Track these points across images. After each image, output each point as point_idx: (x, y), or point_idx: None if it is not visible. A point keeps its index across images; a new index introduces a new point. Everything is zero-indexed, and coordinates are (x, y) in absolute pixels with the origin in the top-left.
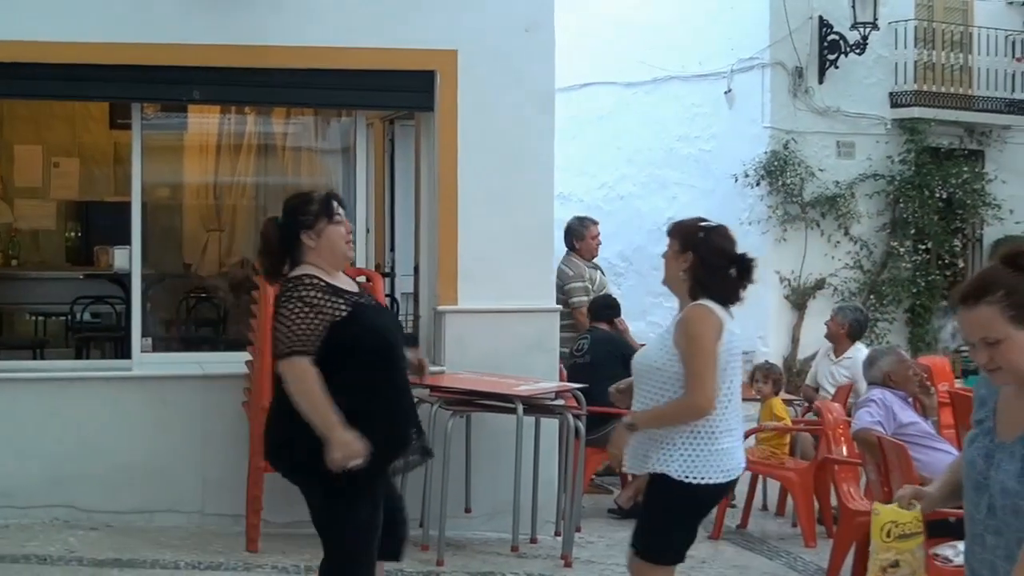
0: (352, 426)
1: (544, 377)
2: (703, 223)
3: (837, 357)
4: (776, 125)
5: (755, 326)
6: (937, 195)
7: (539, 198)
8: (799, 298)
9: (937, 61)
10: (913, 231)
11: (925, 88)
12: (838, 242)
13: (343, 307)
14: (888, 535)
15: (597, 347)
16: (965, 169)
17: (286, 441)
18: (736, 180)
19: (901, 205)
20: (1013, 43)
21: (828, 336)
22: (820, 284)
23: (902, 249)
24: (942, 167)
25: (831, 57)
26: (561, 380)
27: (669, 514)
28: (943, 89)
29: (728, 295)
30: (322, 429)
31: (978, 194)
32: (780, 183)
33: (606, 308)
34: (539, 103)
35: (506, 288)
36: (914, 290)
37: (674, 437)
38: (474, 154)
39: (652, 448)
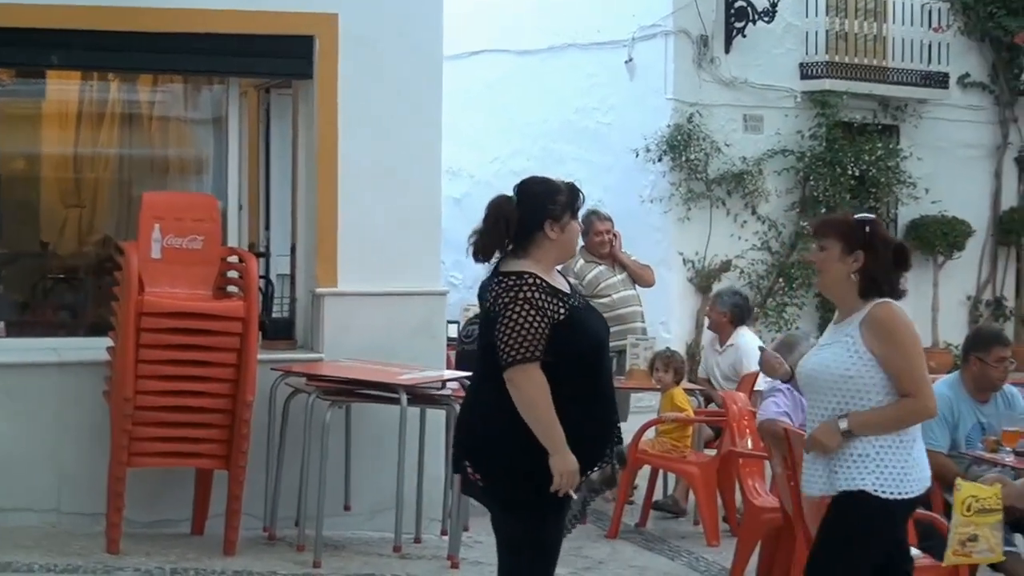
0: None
1: (430, 365)
2: (859, 217)
3: (722, 347)
4: (679, 97)
5: (657, 311)
6: (849, 172)
7: (426, 173)
8: (703, 281)
9: (850, 30)
10: (824, 210)
11: (837, 59)
12: (745, 222)
13: (562, 310)
14: (968, 509)
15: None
16: (879, 145)
17: (496, 451)
18: (637, 155)
19: (811, 183)
20: (930, 12)
21: (711, 326)
22: (726, 266)
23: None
24: (855, 143)
25: (738, 25)
26: (449, 368)
27: (865, 537)
28: (856, 60)
29: (899, 289)
30: (549, 445)
31: (892, 172)
32: (683, 159)
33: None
34: (426, 72)
35: (390, 269)
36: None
37: (867, 449)
38: (356, 126)
39: (839, 464)
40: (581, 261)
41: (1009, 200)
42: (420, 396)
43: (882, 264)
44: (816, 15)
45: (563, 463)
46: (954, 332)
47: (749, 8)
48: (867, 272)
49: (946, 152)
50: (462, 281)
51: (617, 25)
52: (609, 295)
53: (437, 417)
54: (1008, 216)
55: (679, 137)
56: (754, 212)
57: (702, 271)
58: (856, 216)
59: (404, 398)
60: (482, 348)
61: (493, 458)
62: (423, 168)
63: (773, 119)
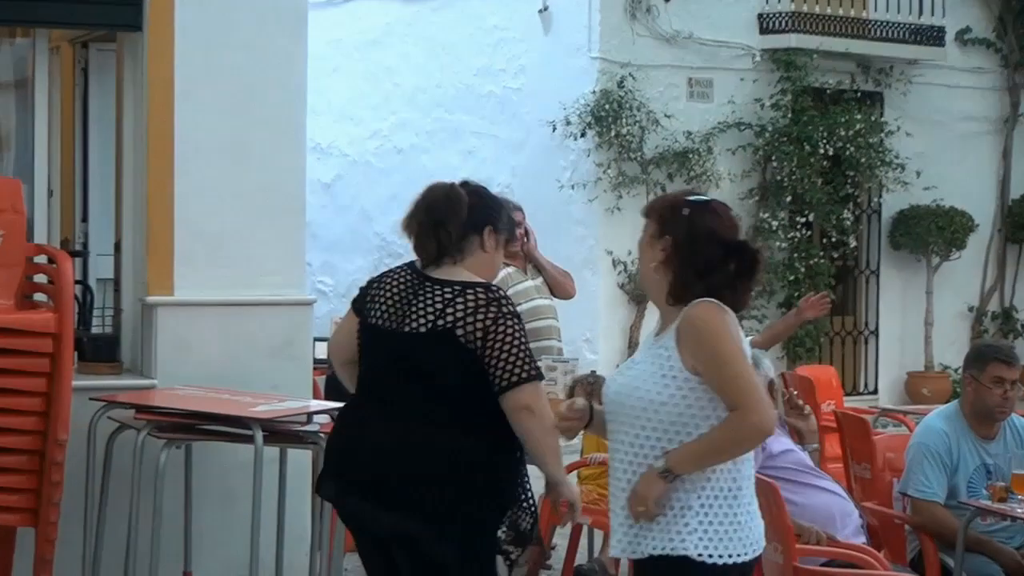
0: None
1: (293, 393)
2: (691, 196)
3: None
4: (608, 56)
5: (580, 325)
6: (821, 151)
7: (287, 151)
8: (638, 288)
9: None
10: (790, 199)
11: (806, 9)
12: None
13: None
14: None
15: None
16: (858, 117)
17: (454, 478)
18: (554, 129)
19: (774, 164)
20: None
21: None
22: None
23: (775, 223)
24: (827, 114)
25: None
26: (316, 397)
27: None
28: (830, 11)
29: (733, 297)
30: (555, 470)
31: (875, 150)
32: (613, 133)
33: None
34: (287, 23)
35: (242, 272)
36: (791, 277)
37: (688, 500)
38: (197, 91)
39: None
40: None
41: (1019, 186)
42: (280, 433)
43: (702, 262)
44: None
45: (572, 491)
46: (952, 352)
47: None
48: (679, 269)
49: (942, 126)
50: (333, 288)
51: None
52: (519, 304)
53: (301, 459)
54: (1018, 206)
55: (607, 107)
56: None
57: (636, 275)
58: (689, 196)
59: (259, 435)
60: (431, 374)
61: (434, 492)
62: (283, 144)
63: (725, 84)
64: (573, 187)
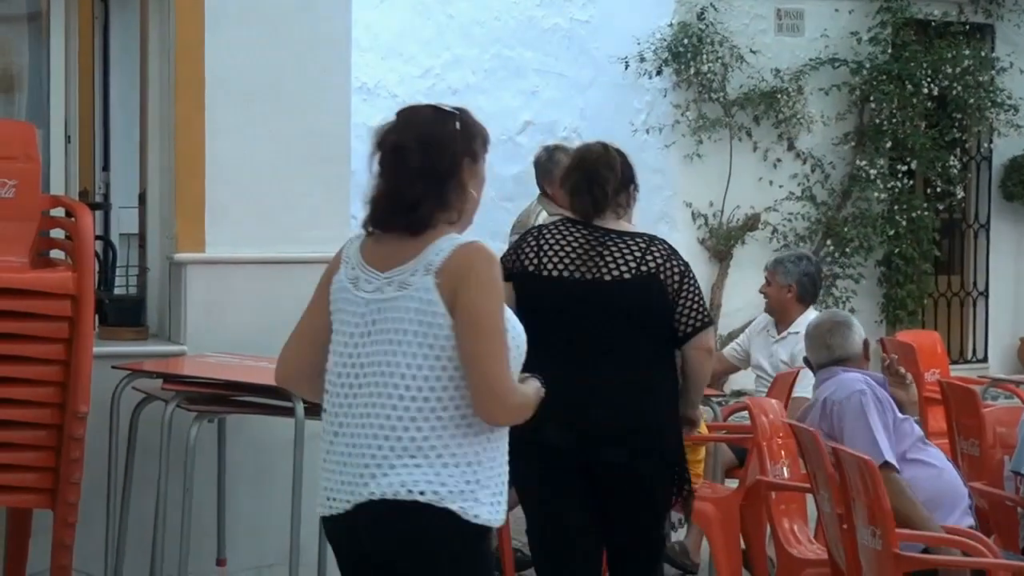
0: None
1: None
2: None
3: (780, 334)
4: None
5: None
6: (925, 91)
7: (329, 92)
8: (721, 243)
9: None
10: (890, 144)
11: None
12: (779, 160)
13: None
14: None
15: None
16: (966, 52)
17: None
18: (627, 66)
19: (872, 106)
20: None
21: (769, 307)
22: (753, 223)
23: (873, 171)
24: (932, 49)
25: None
26: None
27: None
28: None
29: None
30: (699, 398)
31: (985, 89)
32: (692, 71)
33: None
34: None
35: (279, 227)
36: (891, 231)
37: None
38: (229, 26)
39: None
40: (543, 215)
41: None
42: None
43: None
44: None
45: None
46: None
47: None
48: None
49: None
50: None
51: None
52: None
53: None
54: None
55: (686, 41)
56: (792, 147)
57: (719, 230)
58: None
59: (300, 407)
60: (641, 319)
61: (673, 451)
62: (325, 84)
63: (818, 16)
64: (648, 131)
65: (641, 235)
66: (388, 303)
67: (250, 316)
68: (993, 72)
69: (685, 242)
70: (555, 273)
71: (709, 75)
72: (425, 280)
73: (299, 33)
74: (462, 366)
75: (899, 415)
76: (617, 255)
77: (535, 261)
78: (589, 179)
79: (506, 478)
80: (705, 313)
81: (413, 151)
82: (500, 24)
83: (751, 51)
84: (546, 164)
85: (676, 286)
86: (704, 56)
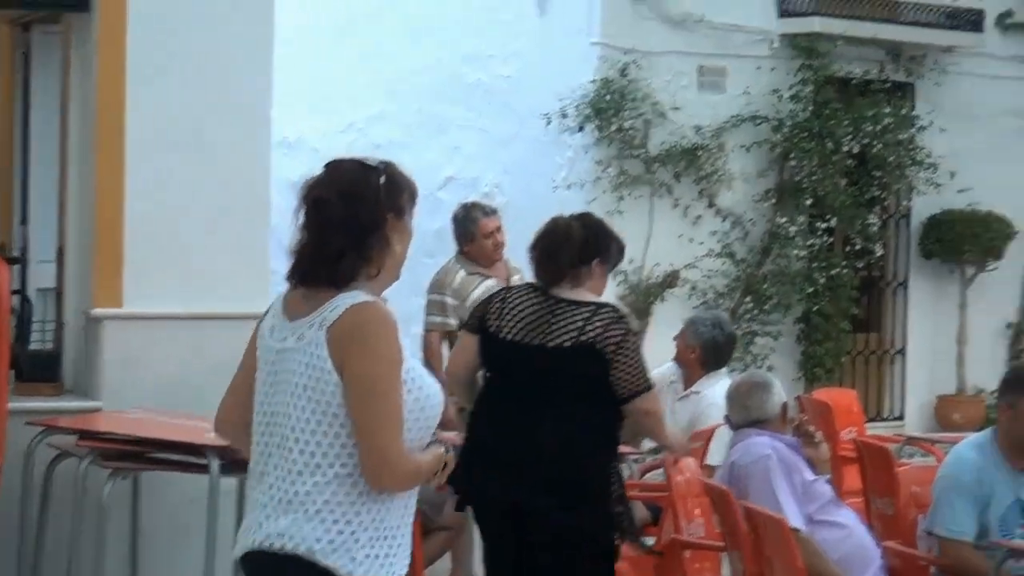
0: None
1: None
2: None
3: (684, 390)
4: (610, 41)
5: None
6: (845, 149)
7: (250, 147)
8: (641, 300)
9: None
10: (810, 202)
11: None
12: (699, 217)
13: None
14: None
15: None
16: (887, 111)
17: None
18: (549, 122)
19: (792, 163)
20: None
21: (677, 359)
22: (672, 279)
23: (793, 228)
24: (853, 107)
25: None
26: None
27: None
28: None
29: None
30: (663, 440)
31: (905, 148)
32: (614, 128)
33: None
34: (252, 4)
35: (198, 282)
36: (810, 289)
37: None
38: (151, 79)
39: None
40: (462, 273)
41: None
42: (239, 462)
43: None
44: None
45: (678, 441)
46: (987, 373)
47: None
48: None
49: (979, 121)
50: None
51: None
52: None
53: None
54: None
55: (608, 97)
56: (712, 204)
57: (638, 286)
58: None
59: (215, 464)
60: (578, 384)
61: (596, 512)
62: (247, 139)
63: (740, 73)
64: (569, 187)
65: (589, 304)
66: (287, 354)
67: (167, 371)
68: (913, 130)
69: (606, 298)
70: (509, 336)
71: (631, 131)
72: (318, 335)
73: (220, 88)
74: (351, 427)
75: (809, 477)
76: (563, 323)
77: (496, 323)
78: (548, 252)
79: (398, 538)
80: (641, 379)
81: (335, 204)
82: (423, 79)
83: (673, 108)
84: (463, 222)
85: (611, 355)
86: (626, 113)
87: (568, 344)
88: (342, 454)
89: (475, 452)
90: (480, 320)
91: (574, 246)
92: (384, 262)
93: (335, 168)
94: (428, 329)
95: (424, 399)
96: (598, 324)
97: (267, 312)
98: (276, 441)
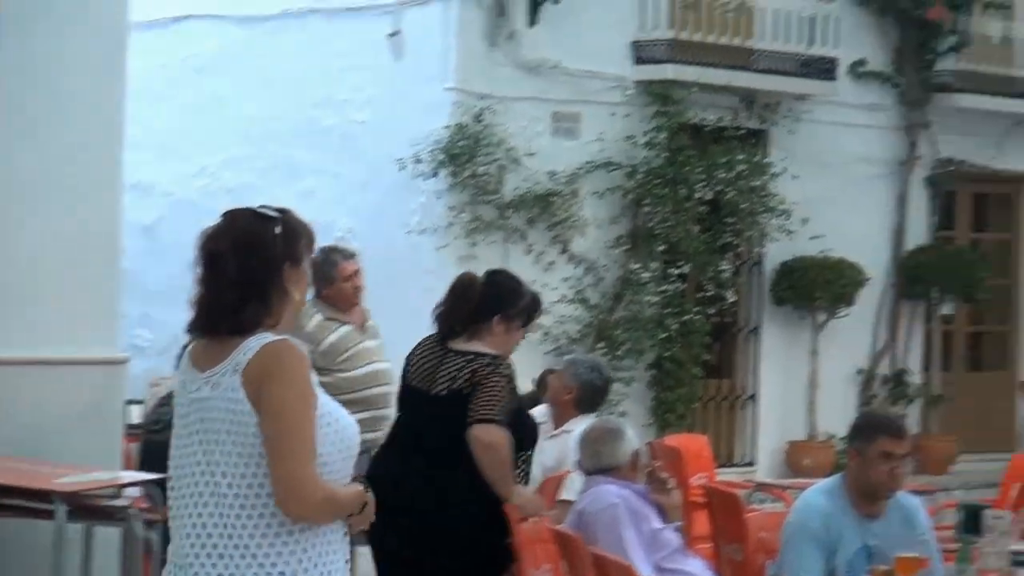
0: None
1: (102, 463)
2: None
3: (554, 430)
4: (464, 87)
5: None
6: (699, 195)
7: (101, 189)
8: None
9: None
10: (663, 248)
11: (685, 37)
12: (552, 262)
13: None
14: None
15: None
16: (740, 158)
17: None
18: (403, 167)
19: (646, 209)
20: None
21: (549, 399)
22: None
23: (646, 274)
24: (706, 154)
25: None
26: (128, 467)
27: None
28: (711, 39)
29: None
30: (504, 490)
31: (758, 195)
32: (468, 173)
33: None
34: (105, 44)
35: (45, 326)
36: (663, 335)
37: None
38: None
39: None
40: (318, 317)
41: (917, 236)
42: (86, 508)
43: None
44: None
45: (523, 497)
46: (838, 419)
47: None
48: None
49: (831, 169)
50: (152, 343)
51: None
52: (355, 369)
53: (110, 537)
54: (914, 259)
55: (463, 143)
56: (565, 249)
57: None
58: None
59: (62, 510)
60: (453, 428)
61: (475, 545)
62: (97, 181)
63: (594, 119)
64: (423, 232)
65: (470, 355)
66: (204, 403)
67: (13, 416)
68: (766, 177)
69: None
70: (411, 382)
71: (485, 177)
72: (233, 380)
73: (71, 128)
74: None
75: (658, 525)
76: (444, 372)
77: (407, 369)
78: (447, 306)
79: (334, 574)
80: (487, 408)
81: (231, 259)
82: (277, 124)
83: (527, 153)
84: (322, 265)
85: (470, 395)
86: (480, 158)
87: (444, 393)
88: (263, 495)
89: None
90: (403, 368)
91: (471, 302)
92: (284, 311)
93: (231, 219)
94: None
95: (342, 430)
96: (467, 372)
97: (176, 370)
98: (194, 490)
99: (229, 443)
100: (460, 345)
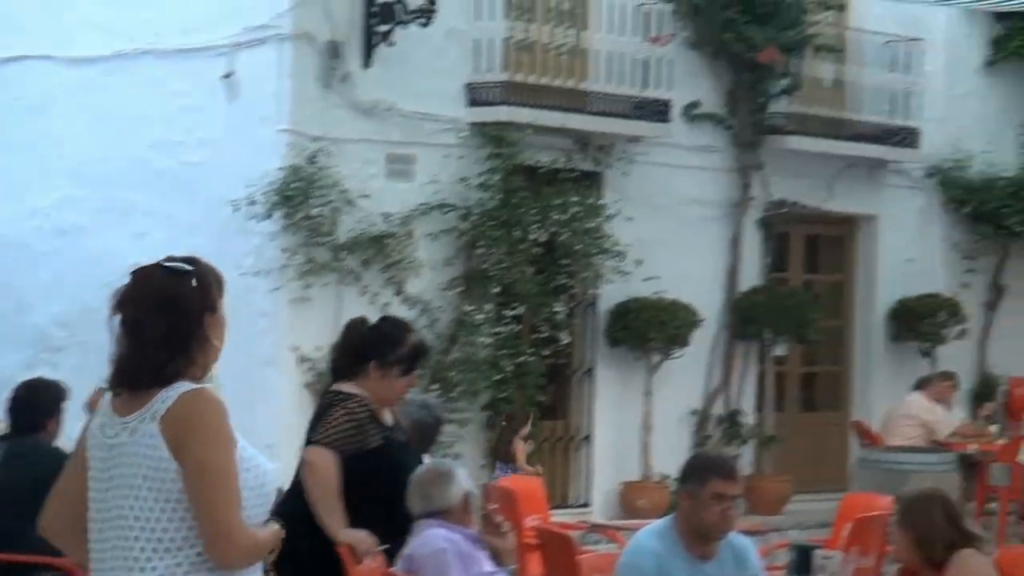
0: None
1: None
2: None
3: None
4: (299, 128)
5: (261, 430)
6: (533, 237)
7: None
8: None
9: (537, 40)
10: (497, 290)
11: (519, 79)
12: (387, 304)
13: (378, 437)
14: None
15: (11, 461)
16: (574, 199)
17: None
18: (237, 209)
19: (480, 251)
20: (646, 16)
21: None
22: None
23: (481, 316)
24: (541, 196)
25: (382, 29)
26: None
27: None
28: (545, 81)
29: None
30: (328, 520)
31: (592, 236)
32: (302, 215)
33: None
34: None
35: None
36: (497, 377)
37: None
38: None
39: None
40: None
41: (750, 278)
42: None
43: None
44: (492, 17)
45: (345, 536)
46: (672, 460)
47: (397, 6)
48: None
49: (665, 210)
50: None
51: (212, 25)
52: None
53: None
54: (747, 300)
55: (297, 184)
56: (400, 291)
57: (326, 374)
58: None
59: None
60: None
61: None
62: None
63: (429, 161)
64: (256, 274)
65: (339, 394)
66: (122, 449)
67: None
68: (600, 219)
69: (291, 386)
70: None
71: (319, 219)
72: (151, 427)
73: None
74: (193, 510)
75: (489, 569)
76: (318, 412)
77: None
78: (334, 351)
79: None
80: (321, 432)
81: (154, 320)
82: (110, 165)
83: (362, 195)
84: None
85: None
86: (314, 200)
87: (311, 432)
88: (189, 537)
89: None
90: None
91: (347, 348)
92: (206, 359)
93: (145, 279)
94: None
95: (261, 475)
96: (324, 408)
97: (95, 413)
98: (116, 534)
99: (145, 488)
100: (339, 386)
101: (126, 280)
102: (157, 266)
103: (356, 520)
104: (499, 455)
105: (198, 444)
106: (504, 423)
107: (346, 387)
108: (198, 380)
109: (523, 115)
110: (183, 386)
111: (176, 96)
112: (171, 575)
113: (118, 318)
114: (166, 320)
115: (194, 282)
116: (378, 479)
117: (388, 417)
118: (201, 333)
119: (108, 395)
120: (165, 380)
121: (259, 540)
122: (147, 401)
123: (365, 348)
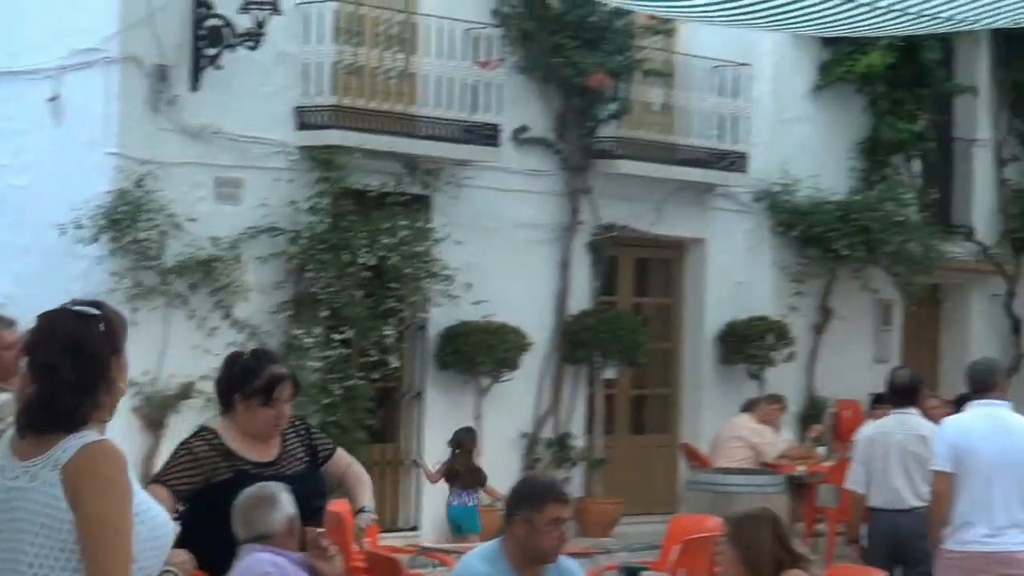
0: None
1: None
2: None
3: None
4: (126, 152)
5: None
6: (362, 260)
7: None
8: (155, 412)
9: (366, 63)
10: (326, 313)
11: (348, 102)
12: (215, 328)
13: (226, 472)
14: None
15: None
16: (403, 223)
17: None
18: (63, 233)
19: (309, 274)
20: (475, 41)
21: None
22: (187, 391)
23: (310, 340)
24: (370, 220)
25: (210, 52)
26: None
27: None
28: (374, 105)
29: None
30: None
31: (421, 260)
32: (130, 239)
33: None
34: None
35: None
36: (326, 401)
37: None
38: None
39: None
40: None
41: (580, 301)
42: None
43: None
44: (320, 41)
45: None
46: (502, 482)
47: (226, 29)
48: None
49: (494, 234)
50: None
51: (39, 48)
52: None
53: None
54: (578, 324)
55: (124, 208)
56: (228, 315)
57: (153, 398)
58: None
59: None
60: None
61: None
62: None
63: (257, 185)
64: (86, 295)
65: (195, 430)
66: (20, 492)
67: None
68: (429, 243)
69: (118, 411)
70: None
71: (147, 243)
72: (51, 475)
73: None
74: (83, 562)
75: None
76: None
77: None
78: (214, 387)
79: None
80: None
81: (65, 365)
82: None
83: (189, 219)
84: None
85: None
86: (141, 223)
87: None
88: None
89: None
90: None
91: (218, 382)
92: (112, 401)
93: (53, 324)
94: None
95: (156, 527)
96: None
97: None
98: None
99: (42, 535)
100: (206, 421)
101: (33, 324)
102: (65, 310)
103: (199, 549)
104: (465, 481)
105: (92, 497)
106: (456, 450)
107: (212, 422)
108: (104, 422)
109: (352, 139)
110: (88, 436)
111: (1, 119)
112: None
113: (25, 361)
114: (78, 364)
115: (102, 326)
116: (220, 510)
117: (261, 450)
118: (108, 376)
119: (7, 436)
120: (73, 425)
121: None
122: (48, 448)
123: (231, 381)
